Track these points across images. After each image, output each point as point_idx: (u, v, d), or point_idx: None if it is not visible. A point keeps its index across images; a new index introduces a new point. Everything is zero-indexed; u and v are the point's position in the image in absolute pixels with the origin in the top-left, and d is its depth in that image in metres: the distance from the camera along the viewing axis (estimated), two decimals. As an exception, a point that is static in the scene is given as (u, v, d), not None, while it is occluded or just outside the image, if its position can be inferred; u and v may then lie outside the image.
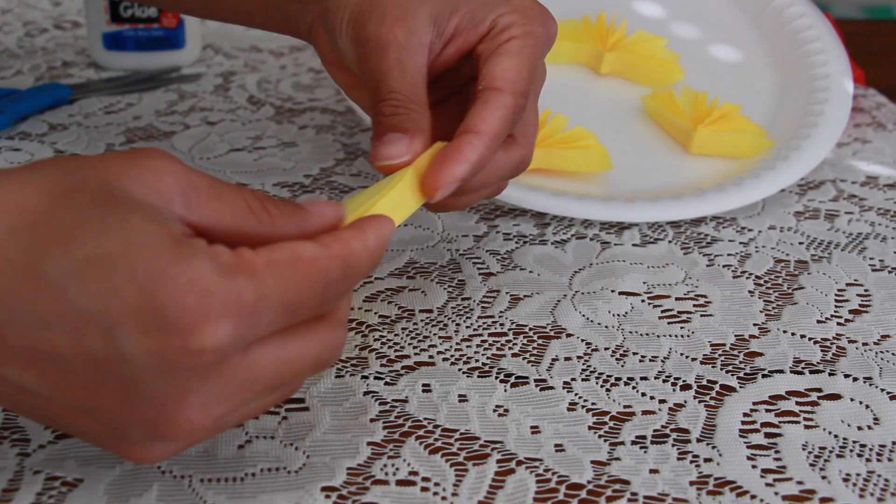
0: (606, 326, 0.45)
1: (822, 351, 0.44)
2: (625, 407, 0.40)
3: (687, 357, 0.43)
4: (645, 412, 0.39)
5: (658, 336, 0.45)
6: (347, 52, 0.42)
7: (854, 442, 0.38)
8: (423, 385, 0.40)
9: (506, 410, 0.39)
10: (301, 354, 0.31)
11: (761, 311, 0.47)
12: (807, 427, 0.39)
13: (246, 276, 0.28)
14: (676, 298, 0.48)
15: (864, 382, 0.42)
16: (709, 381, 0.42)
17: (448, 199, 0.40)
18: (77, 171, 0.29)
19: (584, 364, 0.42)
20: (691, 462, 0.37)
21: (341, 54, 0.44)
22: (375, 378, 0.41)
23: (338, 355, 0.33)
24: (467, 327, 0.45)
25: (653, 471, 0.36)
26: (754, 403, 0.40)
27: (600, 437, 0.38)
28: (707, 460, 0.37)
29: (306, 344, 0.31)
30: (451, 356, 0.42)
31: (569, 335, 0.44)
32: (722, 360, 0.43)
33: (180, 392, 0.28)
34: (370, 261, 0.32)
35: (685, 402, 0.40)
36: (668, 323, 0.46)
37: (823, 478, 0.36)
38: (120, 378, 0.28)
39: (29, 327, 0.28)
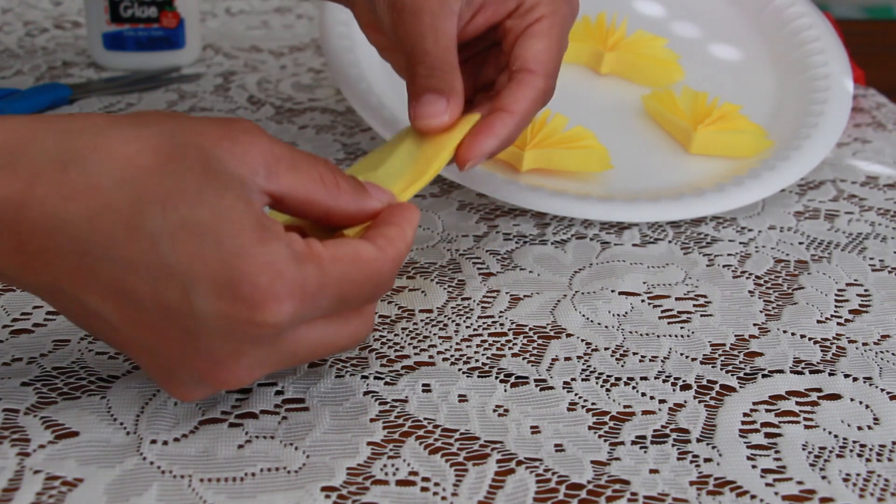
0: (606, 326, 0.45)
1: (822, 351, 0.44)
2: (625, 407, 0.40)
3: (687, 357, 0.43)
4: (645, 412, 0.39)
5: (658, 336, 0.45)
6: (384, 17, 0.45)
7: (854, 442, 0.38)
8: (423, 385, 0.40)
9: (506, 410, 0.39)
10: (335, 339, 0.35)
11: (761, 311, 0.47)
12: (807, 427, 0.39)
13: (314, 266, 0.32)
14: (676, 298, 0.48)
15: (864, 382, 0.42)
16: (709, 381, 0.42)
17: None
18: (179, 134, 0.32)
19: (584, 364, 0.42)
20: (691, 462, 0.37)
21: (378, 19, 0.46)
22: (375, 378, 0.41)
23: (364, 338, 0.37)
24: (467, 327, 0.45)
25: (653, 471, 0.36)
26: (754, 403, 0.40)
27: (600, 437, 0.38)
28: (707, 460, 0.37)
29: (343, 331, 0.35)
30: (451, 356, 0.42)
31: (569, 335, 0.44)
32: (722, 360, 0.43)
33: (235, 353, 0.32)
34: (407, 253, 0.36)
35: (685, 402, 0.40)
36: (668, 323, 0.46)
37: (823, 478, 0.36)
38: (186, 329, 0.32)
39: (118, 268, 0.31)
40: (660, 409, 0.40)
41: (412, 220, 0.37)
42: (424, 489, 0.35)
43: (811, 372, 0.42)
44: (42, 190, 0.31)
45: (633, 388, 0.41)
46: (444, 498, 0.34)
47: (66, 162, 0.31)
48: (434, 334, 0.44)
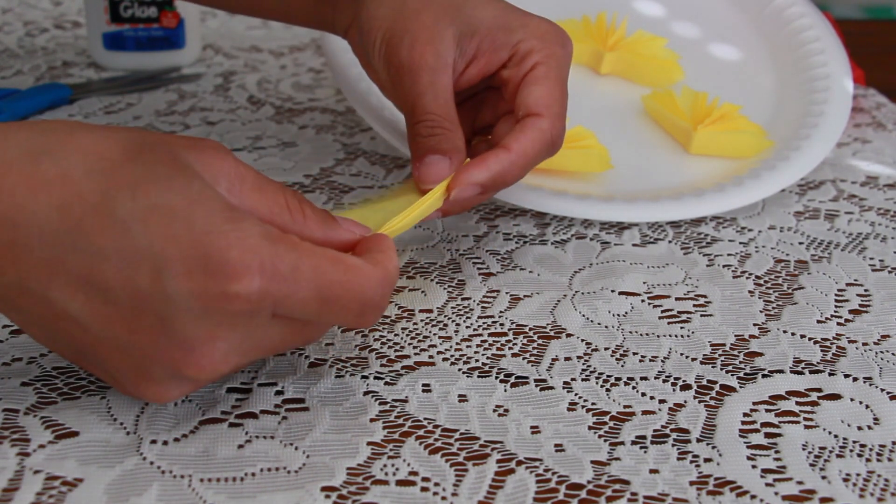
0: (606, 326, 0.45)
1: (822, 351, 0.44)
2: (625, 407, 0.40)
3: (687, 357, 0.43)
4: (645, 412, 0.39)
5: (658, 336, 0.45)
6: (381, 74, 0.46)
7: (854, 442, 0.38)
8: (423, 385, 0.40)
9: (506, 410, 0.39)
10: (302, 333, 0.35)
11: (761, 311, 0.47)
12: (807, 427, 0.39)
13: (287, 246, 0.32)
14: (676, 298, 0.48)
15: (864, 382, 0.42)
16: (709, 381, 0.42)
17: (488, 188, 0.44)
18: (149, 138, 0.33)
19: (584, 364, 0.42)
20: (691, 462, 0.37)
21: (376, 73, 0.47)
22: (375, 378, 0.41)
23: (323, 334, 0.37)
24: (467, 327, 0.45)
25: (653, 471, 0.36)
26: (754, 403, 0.40)
27: (600, 437, 0.38)
28: (707, 460, 0.37)
29: (314, 331, 0.36)
30: (451, 356, 0.42)
31: (569, 335, 0.44)
32: (722, 360, 0.43)
33: (209, 336, 0.32)
34: (396, 280, 0.36)
35: (685, 402, 0.40)
36: (668, 323, 0.46)
37: (823, 478, 0.36)
38: (159, 316, 0.31)
39: (88, 257, 0.31)
40: (660, 409, 0.40)
41: (392, 246, 0.37)
42: (424, 489, 0.35)
43: (811, 372, 0.42)
44: (12, 180, 0.31)
45: (633, 388, 0.41)
46: (444, 498, 0.34)
47: (37, 154, 0.31)
48: (434, 334, 0.44)
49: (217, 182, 0.33)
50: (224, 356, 0.33)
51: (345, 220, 0.38)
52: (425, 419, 0.38)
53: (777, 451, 0.37)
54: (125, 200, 0.31)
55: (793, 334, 0.45)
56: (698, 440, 0.38)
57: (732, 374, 0.42)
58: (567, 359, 0.43)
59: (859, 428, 0.39)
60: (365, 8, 0.46)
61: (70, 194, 0.31)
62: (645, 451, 0.37)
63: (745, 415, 0.39)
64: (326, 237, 0.36)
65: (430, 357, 0.42)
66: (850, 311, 0.47)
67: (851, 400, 0.41)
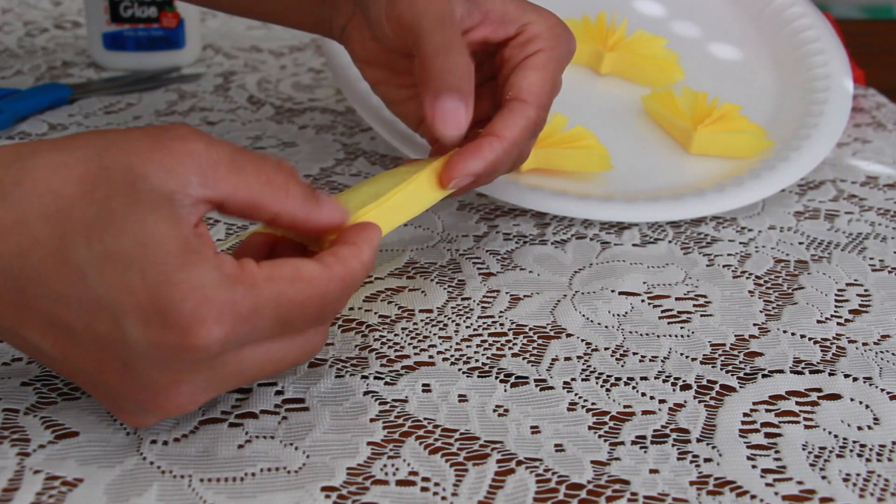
0: (606, 326, 0.45)
1: (822, 351, 0.44)
2: (625, 407, 0.40)
3: (687, 357, 0.43)
4: (645, 412, 0.39)
5: (658, 336, 0.45)
6: (384, 18, 0.44)
7: (854, 442, 0.38)
8: (423, 385, 0.40)
9: (506, 410, 0.39)
10: (285, 355, 0.35)
11: (761, 311, 0.47)
12: (807, 427, 0.39)
13: (245, 289, 0.31)
14: (676, 298, 0.48)
15: (864, 382, 0.42)
16: (709, 381, 0.42)
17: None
18: (106, 155, 0.32)
19: (584, 364, 0.42)
20: (691, 462, 0.37)
21: (375, 27, 0.45)
22: (375, 378, 0.41)
23: (319, 349, 0.37)
24: (467, 327, 0.45)
25: (653, 471, 0.36)
26: (754, 403, 0.40)
27: (600, 437, 0.38)
28: (707, 460, 0.37)
29: (292, 346, 0.35)
30: (451, 356, 0.42)
31: (569, 335, 0.44)
32: (722, 360, 0.43)
33: (172, 381, 0.32)
34: (364, 273, 0.36)
35: (685, 402, 0.40)
36: (668, 323, 0.46)
37: (823, 478, 0.36)
38: (122, 360, 0.31)
39: (51, 302, 0.31)
40: (660, 409, 0.40)
41: (371, 239, 0.36)
42: (424, 489, 0.35)
43: (811, 372, 0.42)
44: None
45: (633, 388, 0.41)
46: (444, 498, 0.34)
47: None
48: (434, 334, 0.44)
49: (187, 182, 0.32)
50: (190, 397, 0.33)
51: (326, 199, 0.36)
52: (425, 419, 0.38)
53: (777, 451, 0.37)
54: (79, 246, 0.30)
55: (793, 334, 0.45)
56: (698, 440, 0.38)
57: (732, 374, 0.42)
58: (567, 359, 0.43)
59: (859, 428, 0.39)
60: None
61: (27, 241, 0.31)
62: (645, 451, 0.37)
63: (745, 415, 0.39)
64: (307, 217, 0.35)
65: (430, 357, 0.42)
66: (850, 311, 0.47)
67: (851, 400, 0.41)
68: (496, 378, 0.41)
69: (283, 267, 0.33)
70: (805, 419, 0.39)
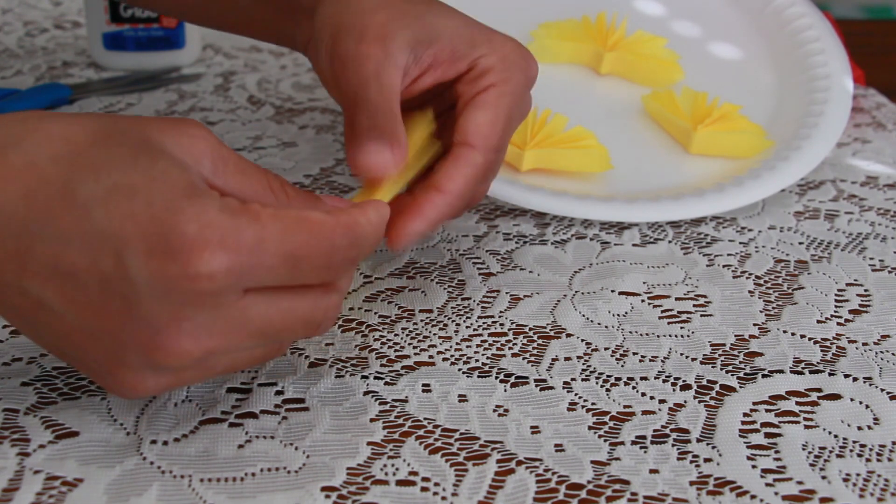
0: (606, 326, 0.45)
1: (822, 351, 0.44)
2: (625, 407, 0.40)
3: (687, 357, 0.43)
4: (645, 412, 0.39)
5: (658, 336, 0.45)
6: (326, 69, 0.43)
7: (854, 442, 0.38)
8: (423, 385, 0.40)
9: (506, 410, 0.39)
10: (293, 307, 0.34)
11: (761, 311, 0.47)
12: (807, 427, 0.39)
13: (248, 218, 0.31)
14: (676, 298, 0.48)
15: (864, 382, 0.42)
16: (709, 381, 0.42)
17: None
18: (122, 122, 0.33)
19: (584, 364, 0.42)
20: (691, 462, 0.37)
21: (322, 73, 0.44)
22: (375, 378, 0.41)
23: (331, 320, 0.35)
24: (467, 327, 0.45)
25: (653, 471, 0.36)
26: (754, 403, 0.40)
27: (600, 437, 0.38)
28: (707, 460, 0.37)
29: (300, 300, 0.34)
30: (451, 356, 0.42)
31: (569, 335, 0.44)
32: (722, 360, 0.43)
33: (175, 317, 0.31)
34: (373, 234, 0.35)
35: (685, 402, 0.40)
36: (668, 323, 0.46)
37: (823, 478, 0.36)
38: (124, 298, 0.31)
39: (55, 242, 0.31)
40: (660, 409, 0.40)
41: (377, 206, 0.35)
42: (424, 489, 0.35)
43: (811, 372, 0.42)
44: None
45: (633, 388, 0.41)
46: (444, 498, 0.34)
47: (5, 146, 0.31)
48: (434, 334, 0.44)
49: (201, 163, 0.33)
50: (191, 337, 0.31)
51: (329, 197, 0.37)
52: (425, 419, 0.38)
53: (777, 451, 0.37)
54: (88, 182, 0.31)
55: (793, 334, 0.45)
56: (698, 440, 0.38)
57: (732, 374, 0.42)
58: (567, 359, 0.43)
59: (859, 428, 0.39)
60: (321, 7, 0.44)
61: (35, 181, 0.31)
62: (645, 451, 0.37)
63: (745, 415, 0.39)
64: None
65: (430, 357, 0.42)
66: (850, 311, 0.47)
67: (851, 400, 0.41)
68: (496, 378, 0.41)
69: (288, 209, 0.33)
70: (805, 419, 0.39)
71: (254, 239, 0.31)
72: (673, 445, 0.38)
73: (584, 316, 0.46)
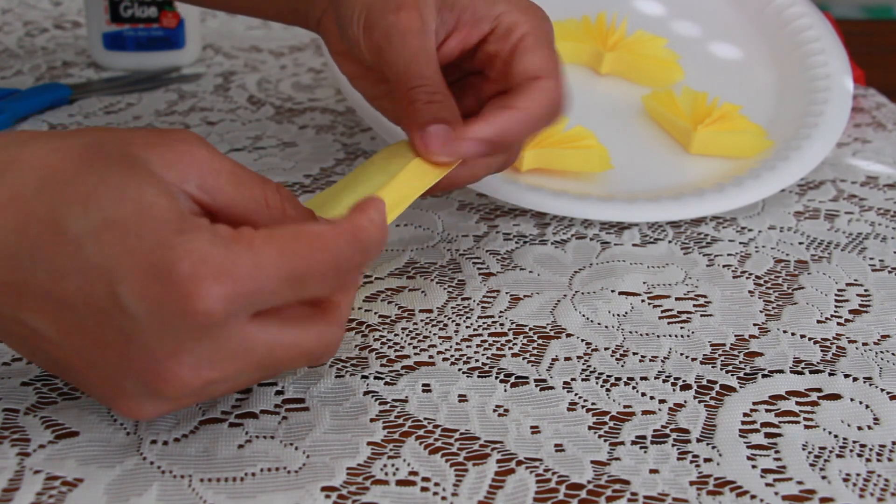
0: (606, 326, 0.45)
1: (822, 351, 0.44)
2: (625, 407, 0.40)
3: (687, 357, 0.43)
4: (645, 412, 0.39)
5: (658, 336, 0.45)
6: (361, 43, 0.43)
7: (854, 442, 0.38)
8: (423, 385, 0.40)
9: (506, 410, 0.39)
10: (296, 341, 0.33)
11: (761, 311, 0.47)
12: (807, 427, 0.39)
13: (242, 247, 0.30)
14: (676, 298, 0.48)
15: (864, 382, 0.42)
16: (709, 381, 0.42)
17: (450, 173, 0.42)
18: (107, 141, 0.32)
19: (584, 364, 0.42)
20: (691, 462, 0.37)
21: (352, 45, 0.44)
22: (375, 378, 0.41)
23: (331, 354, 0.35)
24: (467, 327, 0.45)
25: (653, 471, 0.36)
26: (754, 403, 0.40)
27: (600, 437, 0.38)
28: (707, 460, 0.37)
29: (303, 333, 0.33)
30: (451, 356, 0.42)
31: (569, 335, 0.44)
32: (722, 360, 0.43)
33: (174, 350, 0.31)
34: (378, 235, 0.34)
35: (685, 402, 0.40)
36: (668, 323, 0.46)
37: (823, 478, 0.36)
38: (121, 331, 0.30)
39: (47, 276, 0.30)
40: (660, 409, 0.40)
41: (376, 205, 0.34)
42: (424, 489, 0.35)
43: (811, 372, 0.42)
44: None
45: (633, 388, 0.41)
46: (444, 498, 0.34)
47: None
48: (434, 334, 0.44)
49: (186, 179, 0.32)
50: (193, 369, 0.31)
51: (326, 221, 0.36)
52: (425, 419, 0.38)
53: (777, 451, 0.37)
54: (77, 216, 0.30)
55: (793, 334, 0.45)
56: (698, 440, 0.38)
57: (732, 374, 0.42)
58: (567, 359, 0.43)
59: (859, 428, 0.39)
60: None
61: (23, 214, 0.30)
62: (645, 451, 0.37)
63: (745, 415, 0.39)
64: None
65: (430, 357, 0.42)
66: (850, 311, 0.47)
67: (851, 400, 0.41)
68: (496, 378, 0.41)
69: (283, 228, 0.32)
70: (805, 419, 0.39)
71: (250, 266, 0.30)
72: (673, 445, 0.38)
73: (584, 316, 0.46)
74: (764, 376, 0.42)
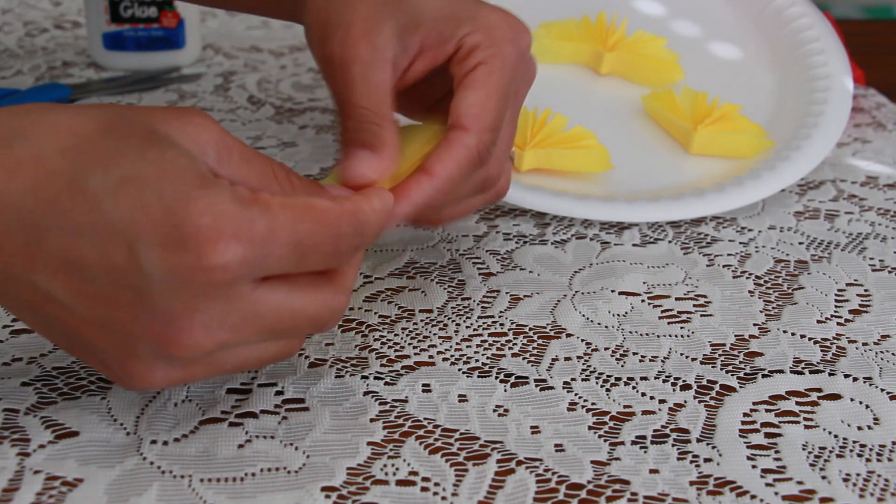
0: (606, 326, 0.45)
1: (822, 351, 0.44)
2: (625, 407, 0.40)
3: (687, 357, 0.43)
4: (645, 412, 0.39)
5: (658, 336, 0.45)
6: (319, 68, 0.42)
7: (854, 442, 0.38)
8: (423, 385, 0.40)
9: (506, 410, 0.39)
10: (303, 306, 0.34)
11: (761, 311, 0.47)
12: (807, 427, 0.39)
13: (260, 209, 0.31)
14: (676, 298, 0.48)
15: (864, 382, 0.42)
16: (709, 381, 0.42)
17: (421, 216, 0.42)
18: (127, 113, 0.33)
19: (584, 364, 0.42)
20: (691, 462, 0.37)
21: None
22: (375, 378, 0.41)
23: (337, 319, 0.36)
24: (467, 327, 0.45)
25: (653, 471, 0.36)
26: (754, 403, 0.40)
27: (600, 437, 0.38)
28: (707, 460, 0.37)
29: (310, 298, 0.34)
30: (451, 356, 0.42)
31: (569, 335, 0.44)
32: (722, 360, 0.43)
33: (188, 309, 0.31)
34: (377, 222, 0.35)
35: (685, 402, 0.40)
36: (668, 323, 0.46)
37: (823, 478, 0.36)
38: (136, 290, 0.31)
39: (64, 235, 0.30)
40: (660, 409, 0.40)
41: (381, 194, 0.36)
42: (424, 489, 0.35)
43: (811, 372, 0.42)
44: None
45: (633, 388, 0.41)
46: (444, 498, 0.34)
47: (10, 138, 0.31)
48: (434, 334, 0.44)
49: (205, 153, 0.33)
50: (205, 329, 0.31)
51: (332, 186, 0.37)
52: (425, 419, 0.38)
53: (777, 451, 0.37)
54: (97, 175, 0.30)
55: (793, 334, 0.45)
56: (698, 440, 0.38)
57: (732, 374, 0.42)
58: (567, 359, 0.43)
59: (859, 428, 0.39)
60: None
61: (43, 173, 0.31)
62: (645, 451, 0.37)
63: (745, 415, 0.39)
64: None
65: (430, 357, 0.42)
66: (850, 311, 0.47)
67: (851, 400, 0.41)
68: (496, 378, 0.41)
69: (296, 198, 0.33)
70: (805, 419, 0.39)
71: (266, 228, 0.31)
72: (673, 445, 0.38)
73: (584, 316, 0.46)
74: (764, 376, 0.42)
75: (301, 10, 0.46)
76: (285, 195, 0.34)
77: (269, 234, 0.31)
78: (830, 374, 0.42)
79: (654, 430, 0.38)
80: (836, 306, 0.48)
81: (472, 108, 0.41)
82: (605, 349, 0.43)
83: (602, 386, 0.41)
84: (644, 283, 0.49)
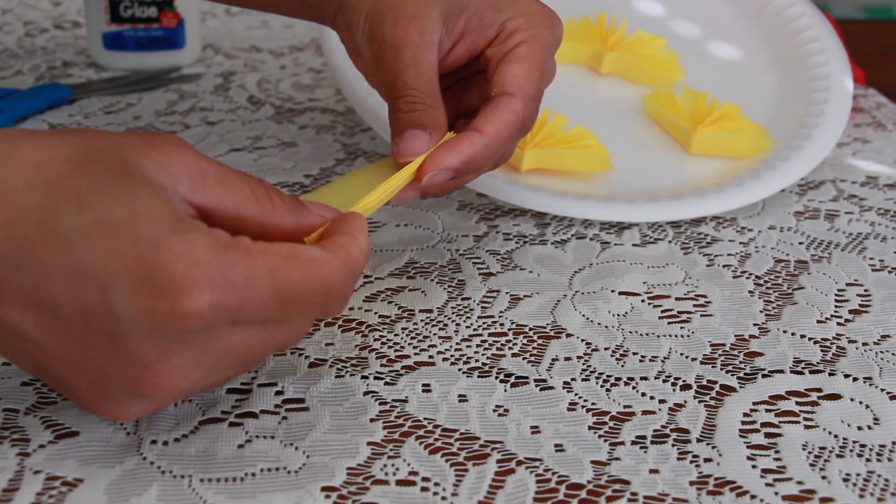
0: (606, 326, 0.45)
1: (822, 351, 0.44)
2: (625, 407, 0.40)
3: (687, 357, 0.43)
4: (645, 412, 0.39)
5: (658, 336, 0.45)
6: (364, 50, 0.45)
7: (854, 442, 0.38)
8: (423, 385, 0.40)
9: (506, 410, 0.39)
10: (272, 335, 0.33)
11: (761, 311, 0.47)
12: (807, 427, 0.39)
13: (238, 254, 0.30)
14: (676, 298, 0.48)
15: (864, 382, 0.42)
16: (709, 381, 0.42)
17: (462, 171, 0.43)
18: (98, 143, 0.32)
19: (584, 364, 0.42)
20: (691, 462, 0.37)
21: (359, 50, 0.46)
22: (375, 378, 0.41)
23: (299, 340, 0.36)
24: (467, 327, 0.45)
25: (653, 471, 0.36)
26: (754, 403, 0.40)
27: (600, 437, 0.38)
28: (707, 460, 0.37)
29: (280, 330, 0.33)
30: (451, 356, 0.42)
31: (569, 335, 0.44)
32: (722, 360, 0.43)
33: (164, 353, 0.30)
34: (364, 261, 0.35)
35: (685, 402, 0.40)
36: (668, 323, 0.46)
37: (823, 478, 0.36)
38: (110, 334, 0.30)
39: (35, 276, 0.30)
40: (660, 409, 0.40)
41: (362, 227, 0.35)
42: (424, 489, 0.35)
43: (811, 372, 0.42)
44: None
45: (633, 388, 0.41)
46: (444, 498, 0.34)
47: None
48: (434, 334, 0.44)
49: (178, 182, 0.32)
50: (180, 372, 0.31)
51: (315, 204, 0.36)
52: (425, 419, 0.38)
53: (777, 451, 0.37)
54: (69, 216, 0.30)
55: (793, 334, 0.45)
56: (698, 440, 0.38)
57: (732, 374, 0.42)
58: (567, 359, 0.43)
59: (859, 428, 0.39)
60: None
61: (13, 211, 0.30)
62: (645, 451, 0.37)
63: (745, 415, 0.39)
64: (297, 224, 0.35)
65: (430, 357, 0.42)
66: (850, 311, 0.47)
67: (851, 400, 0.41)
68: (496, 378, 0.41)
69: (280, 245, 0.32)
70: (805, 419, 0.39)
71: (243, 276, 0.30)
72: (673, 445, 0.38)
73: (584, 316, 0.46)
74: (764, 376, 0.42)
75: (329, 5, 0.48)
76: (264, 216, 0.33)
77: (246, 281, 0.30)
78: (830, 374, 0.42)
79: (654, 430, 0.38)
80: (836, 306, 0.48)
81: (518, 78, 0.44)
82: (605, 349, 0.43)
83: (602, 386, 0.41)
84: (644, 283, 0.49)
